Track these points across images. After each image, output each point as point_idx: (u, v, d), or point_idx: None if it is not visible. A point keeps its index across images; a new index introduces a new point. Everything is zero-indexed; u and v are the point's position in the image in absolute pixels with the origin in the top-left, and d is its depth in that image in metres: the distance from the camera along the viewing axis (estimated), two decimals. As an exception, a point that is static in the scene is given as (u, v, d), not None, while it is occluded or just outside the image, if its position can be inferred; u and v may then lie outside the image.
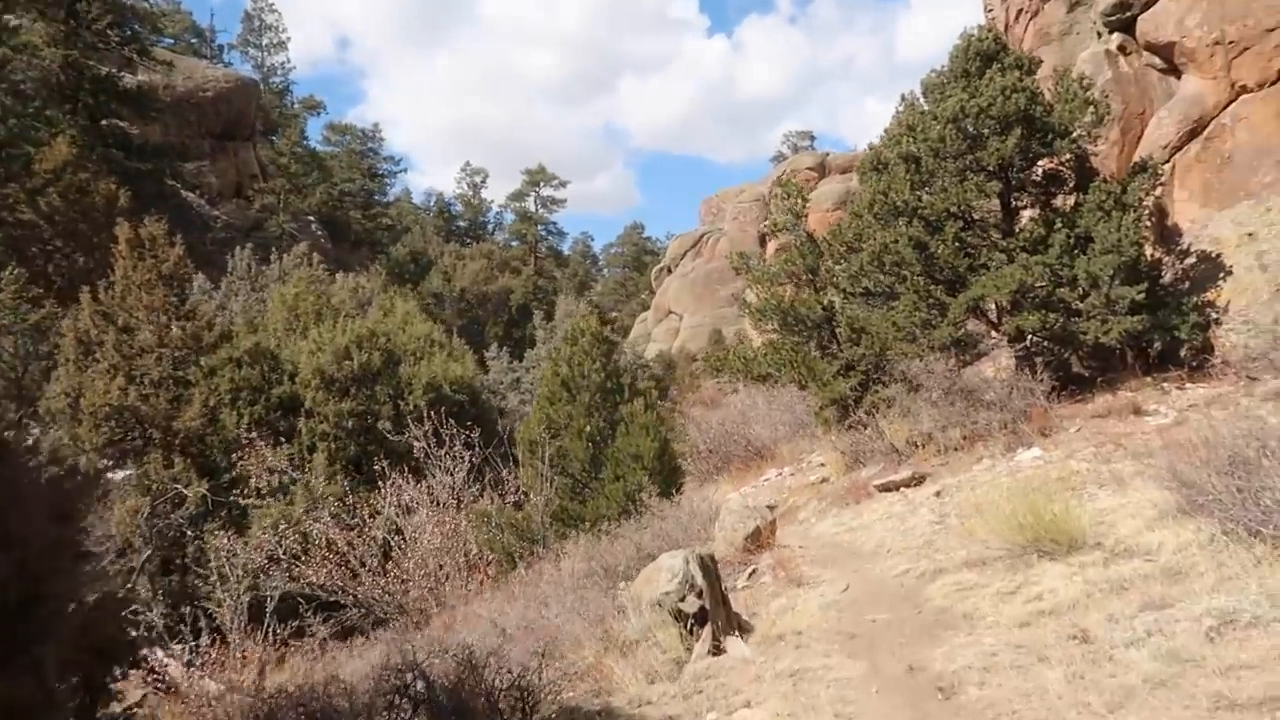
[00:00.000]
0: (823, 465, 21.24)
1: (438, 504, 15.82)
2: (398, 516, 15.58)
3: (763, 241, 56.85)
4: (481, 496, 17.55)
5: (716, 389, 39.90)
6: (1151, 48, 20.47)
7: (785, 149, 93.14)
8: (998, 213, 18.00)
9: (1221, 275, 18.15)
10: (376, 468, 16.43)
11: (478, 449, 16.55)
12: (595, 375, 17.15)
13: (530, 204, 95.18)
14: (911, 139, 17.85)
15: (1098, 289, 16.21)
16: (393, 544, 15.71)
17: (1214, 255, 18.54)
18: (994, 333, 17.39)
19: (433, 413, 18.55)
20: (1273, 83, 19.34)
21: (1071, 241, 16.65)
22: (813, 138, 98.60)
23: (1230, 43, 19.56)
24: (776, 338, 20.41)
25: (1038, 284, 16.16)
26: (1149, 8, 20.51)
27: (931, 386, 16.91)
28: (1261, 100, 19.39)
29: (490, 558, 16.61)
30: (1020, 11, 25.70)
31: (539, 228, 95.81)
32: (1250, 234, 18.45)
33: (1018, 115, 16.97)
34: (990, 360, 19.03)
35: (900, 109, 18.66)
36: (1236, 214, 18.87)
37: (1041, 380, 16.09)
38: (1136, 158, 19.74)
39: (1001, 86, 16.93)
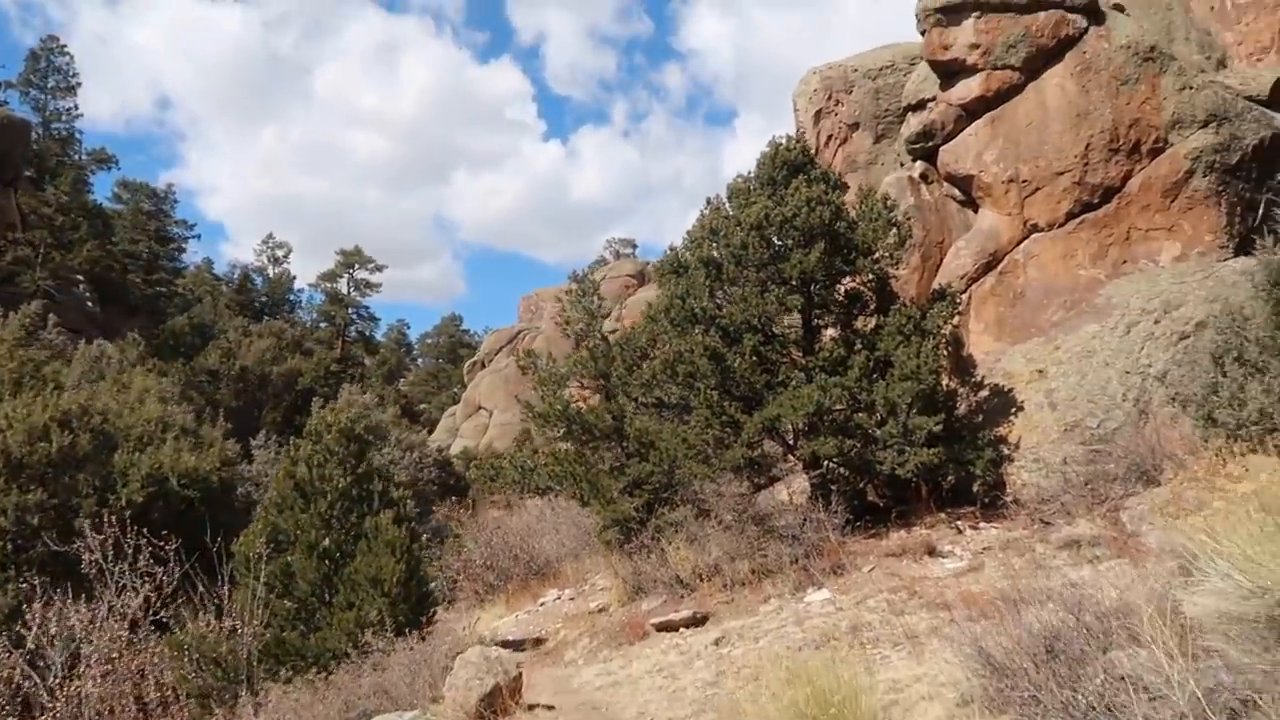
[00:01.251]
0: (605, 590, 19.21)
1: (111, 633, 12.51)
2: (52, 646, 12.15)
3: (577, 344, 55.56)
4: (185, 619, 14.30)
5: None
6: (952, 179, 20.56)
7: (608, 254, 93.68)
8: (799, 329, 17.01)
9: (1013, 411, 17.77)
10: (26, 584, 12.94)
11: (178, 561, 13.39)
12: (339, 480, 14.51)
13: (343, 285, 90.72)
14: (714, 243, 16.73)
15: (895, 417, 15.27)
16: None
17: (1007, 390, 18.22)
18: (790, 456, 16.10)
19: (156, 509, 15.22)
20: (1061, 224, 19.68)
21: (871, 365, 15.76)
22: (635, 245, 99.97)
23: (1024, 181, 19.86)
24: (561, 447, 18.47)
25: (836, 407, 15.06)
26: (950, 140, 20.68)
27: (722, 511, 15.32)
28: (1050, 240, 19.65)
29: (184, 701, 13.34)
30: (830, 137, 25.80)
31: (350, 310, 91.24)
32: (1040, 371, 18.28)
33: (822, 229, 16.16)
34: (784, 485, 17.75)
35: (705, 212, 17.60)
36: (1028, 349, 18.76)
37: (836, 512, 14.82)
38: (936, 285, 19.47)
39: (807, 198, 16.13)
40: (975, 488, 17.17)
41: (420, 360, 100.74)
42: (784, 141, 17.44)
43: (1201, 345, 18.19)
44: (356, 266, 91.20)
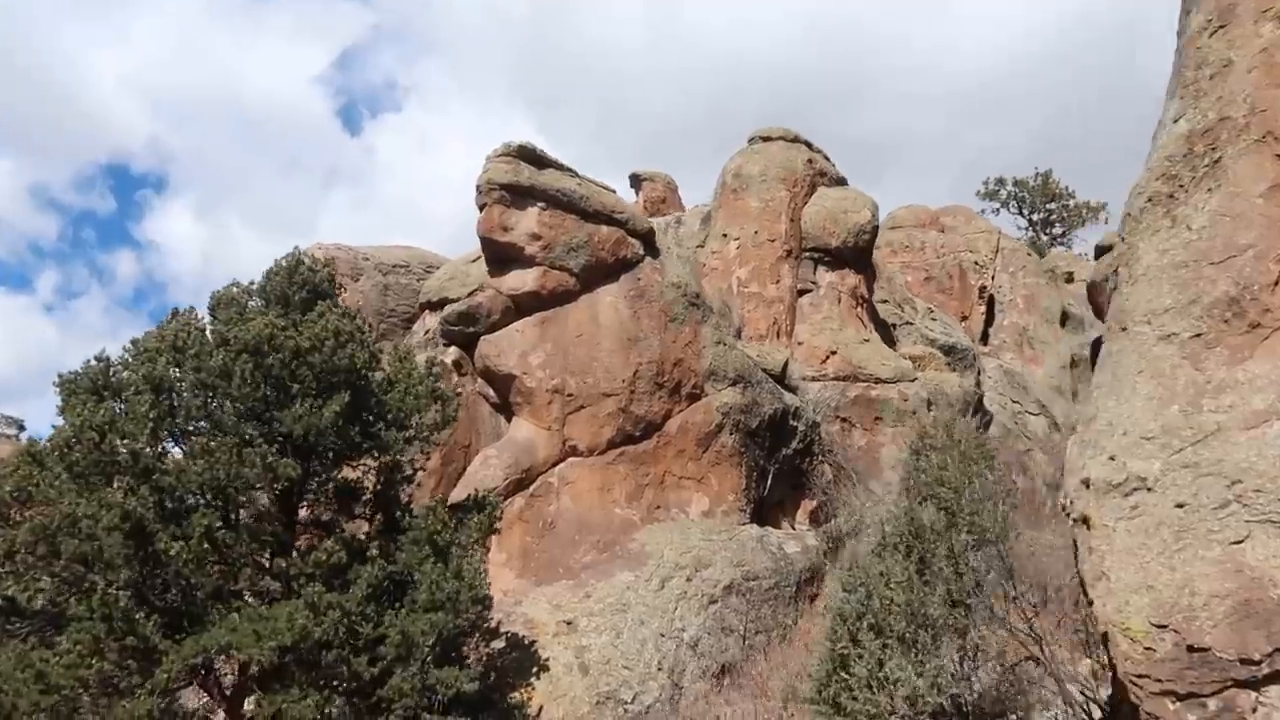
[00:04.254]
0: None
1: None
2: None
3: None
4: None
5: None
6: (489, 375, 17.16)
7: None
8: (275, 516, 11.41)
9: (535, 671, 13.66)
10: None
11: None
12: None
13: None
14: (175, 362, 10.85)
15: (408, 664, 10.23)
16: None
17: (528, 643, 14.17)
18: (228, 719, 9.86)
19: None
20: (602, 451, 17.13)
21: (384, 583, 10.73)
22: (23, 427, 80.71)
23: (569, 395, 17.18)
24: None
25: (326, 639, 9.58)
26: (495, 330, 17.52)
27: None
28: (589, 468, 16.90)
29: None
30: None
31: None
32: (568, 622, 14.65)
33: (349, 377, 11.34)
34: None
35: (165, 321, 11.67)
36: (555, 593, 15.13)
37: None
38: (461, 495, 15.30)
39: (336, 328, 11.32)
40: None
41: None
42: (305, 258, 12.62)
43: (729, 612, 16.31)
44: None
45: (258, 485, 10.35)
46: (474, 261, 23.54)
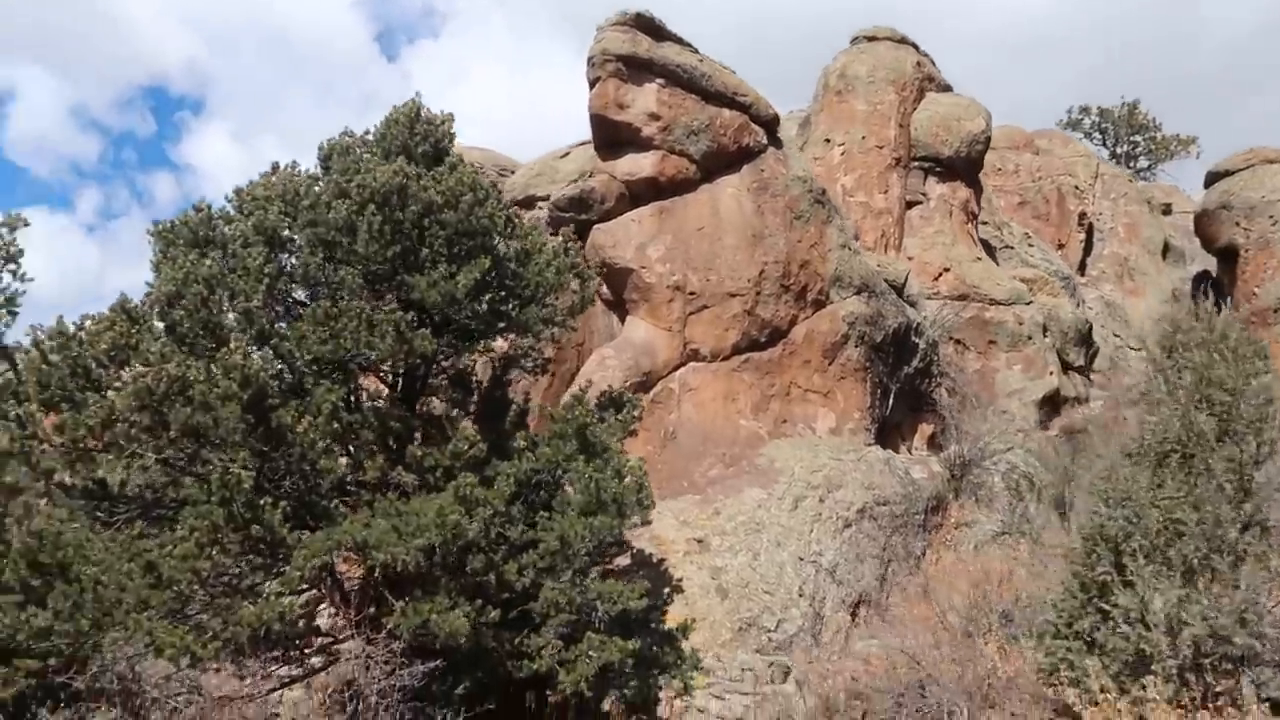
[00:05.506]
0: None
1: None
2: None
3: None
4: None
5: None
6: (607, 269, 15.32)
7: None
8: (400, 400, 9.78)
9: (668, 592, 12.10)
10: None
11: None
12: None
13: None
14: (284, 210, 9.15)
15: (558, 575, 8.66)
16: None
17: (656, 560, 12.63)
18: (361, 627, 8.29)
19: None
20: (726, 356, 15.41)
21: (532, 482, 9.12)
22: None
23: (691, 293, 15.40)
24: None
25: (476, 540, 8.00)
26: (608, 219, 15.70)
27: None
28: (713, 374, 15.20)
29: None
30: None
31: None
32: (700, 541, 13.09)
33: (485, 241, 9.61)
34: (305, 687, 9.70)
35: (265, 173, 9.92)
36: (682, 509, 13.54)
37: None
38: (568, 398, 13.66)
39: (471, 182, 9.56)
40: (607, 707, 10.98)
41: None
42: (439, 114, 10.79)
43: (863, 537, 14.70)
44: None
45: (387, 359, 8.67)
46: (563, 157, 21.65)
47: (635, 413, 11.05)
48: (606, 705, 11.04)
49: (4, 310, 9.69)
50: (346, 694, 7.59)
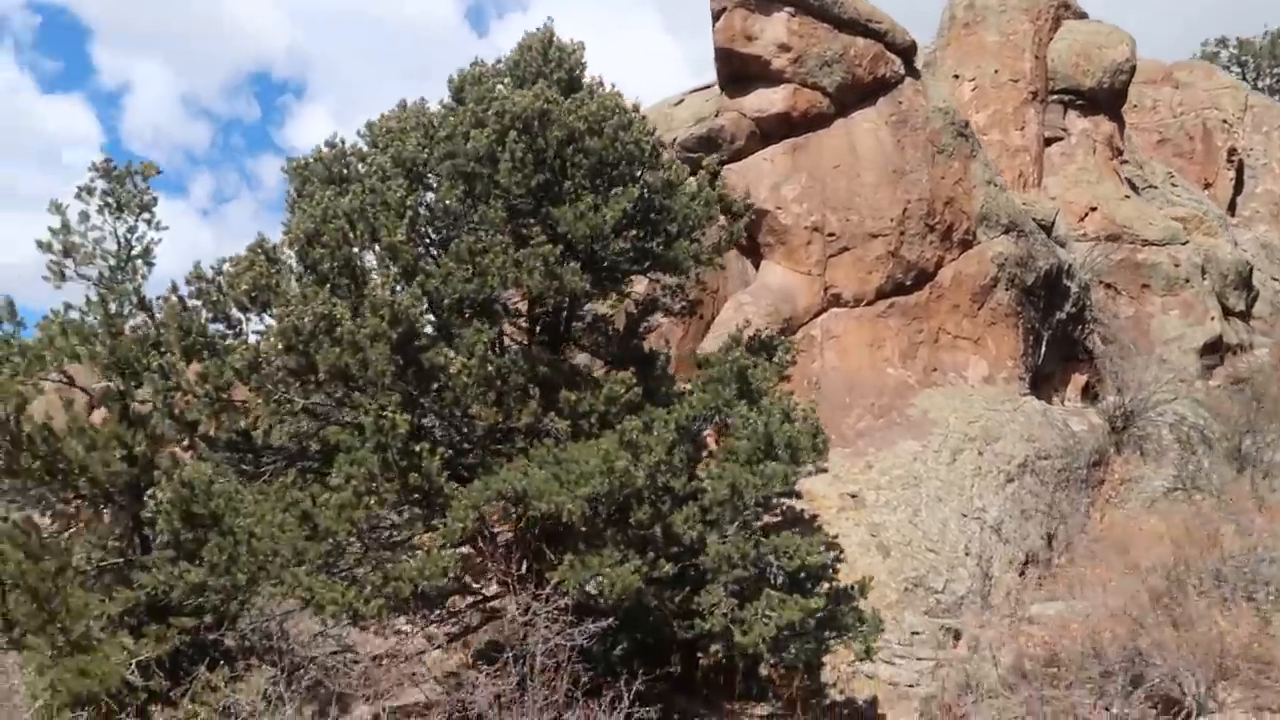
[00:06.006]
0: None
1: None
2: None
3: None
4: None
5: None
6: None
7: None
8: (545, 343, 9.13)
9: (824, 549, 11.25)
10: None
11: None
12: None
13: None
14: (422, 141, 8.53)
15: (721, 528, 7.91)
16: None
17: (809, 517, 11.76)
18: (518, 583, 7.68)
19: None
20: (870, 301, 14.37)
21: (688, 429, 8.36)
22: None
23: (830, 235, 14.39)
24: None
25: (642, 489, 7.30)
26: (739, 159, 14.77)
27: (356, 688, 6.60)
28: (856, 320, 14.20)
29: None
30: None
31: None
32: (854, 495, 12.20)
33: (631, 170, 8.85)
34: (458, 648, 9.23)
35: (396, 110, 9.33)
36: (832, 463, 12.61)
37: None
38: (705, 348, 12.86)
39: (615, 105, 8.79)
40: (764, 671, 10.27)
41: None
42: (567, 41, 10.05)
43: (1025, 493, 13.56)
44: None
45: (536, 297, 8.00)
46: (677, 104, 20.67)
47: (789, 356, 10.18)
48: (764, 669, 10.37)
49: (141, 261, 9.42)
50: (509, 653, 7.02)
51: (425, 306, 7.20)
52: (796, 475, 8.15)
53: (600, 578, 6.91)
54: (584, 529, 7.37)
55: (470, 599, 8.93)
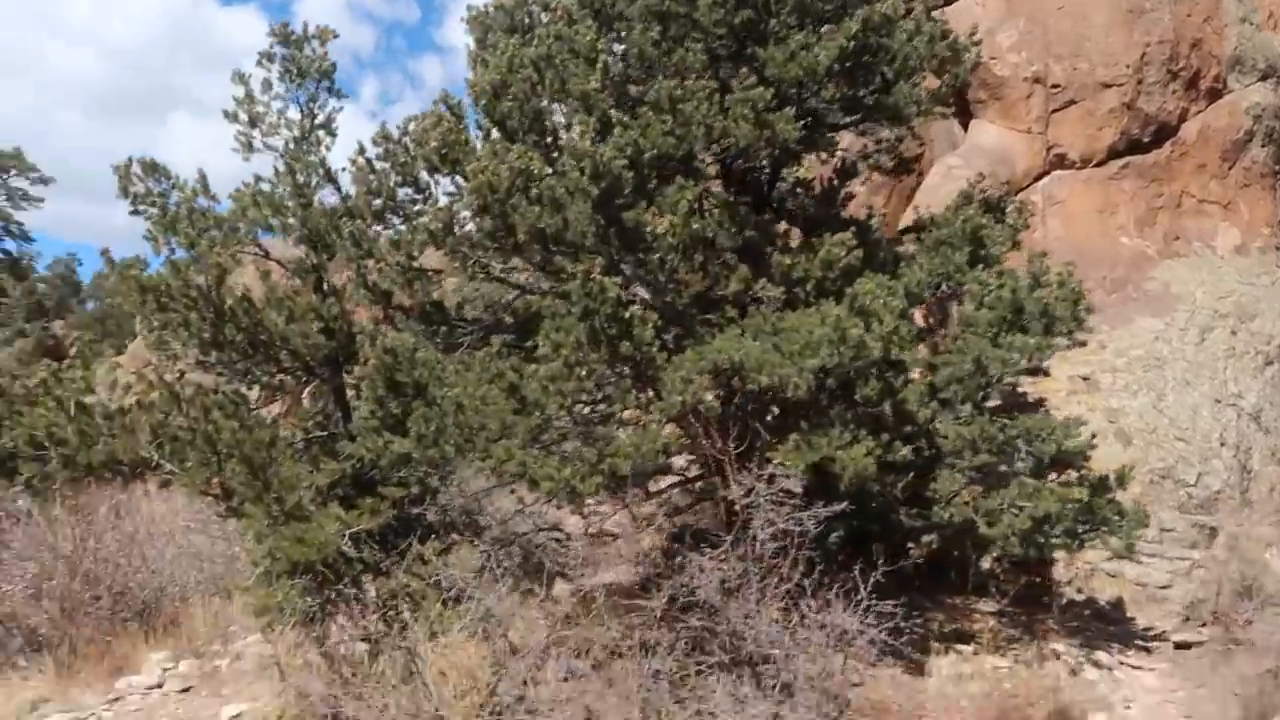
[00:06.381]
0: (259, 680, 9.32)
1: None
2: None
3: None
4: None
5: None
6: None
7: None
8: (745, 203, 8.26)
9: (1053, 437, 10.09)
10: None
11: None
12: None
13: (-9, 193, 70.08)
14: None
15: (959, 404, 6.98)
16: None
17: (1034, 401, 10.60)
18: (731, 465, 7.07)
19: None
20: (1100, 162, 12.65)
21: (921, 294, 7.38)
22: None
23: (1054, 86, 12.65)
24: (195, 383, 8.41)
25: (876, 361, 6.45)
26: (948, 2, 13.11)
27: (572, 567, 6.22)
28: (1084, 184, 12.54)
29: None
30: None
31: (-1, 223, 70.54)
32: (1086, 378, 10.91)
33: (843, 4, 7.70)
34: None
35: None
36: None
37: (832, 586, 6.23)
38: (906, 219, 11.65)
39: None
40: (987, 565, 9.41)
41: (89, 304, 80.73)
42: None
43: (1287, 379, 11.82)
44: (12, 172, 71.05)
45: (752, 145, 7.10)
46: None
47: (1022, 218, 8.92)
48: (986, 562, 9.52)
49: (324, 132, 9.08)
50: (729, 538, 6.43)
51: (626, 161, 6.44)
52: (1050, 349, 7.06)
53: (835, 459, 6.15)
54: (806, 405, 6.61)
55: (670, 479, 8.44)
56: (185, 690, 9.57)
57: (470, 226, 6.74)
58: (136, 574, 10.93)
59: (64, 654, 11.02)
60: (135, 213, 8.31)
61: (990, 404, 9.83)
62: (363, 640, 7.03)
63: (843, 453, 6.12)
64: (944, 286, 7.82)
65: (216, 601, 11.73)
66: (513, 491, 8.35)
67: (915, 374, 7.46)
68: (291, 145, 8.73)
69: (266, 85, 8.71)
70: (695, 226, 6.68)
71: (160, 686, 9.74)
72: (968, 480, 6.96)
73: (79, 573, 10.25)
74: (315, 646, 7.43)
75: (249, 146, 8.54)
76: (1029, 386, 10.71)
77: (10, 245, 78.58)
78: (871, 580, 6.19)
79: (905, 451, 6.45)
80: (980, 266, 7.63)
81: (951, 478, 6.84)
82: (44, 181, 75.89)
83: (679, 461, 8.59)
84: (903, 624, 6.47)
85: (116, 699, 9.50)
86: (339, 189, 8.68)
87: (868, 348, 6.08)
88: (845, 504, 6.24)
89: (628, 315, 6.01)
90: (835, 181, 9.79)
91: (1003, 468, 7.24)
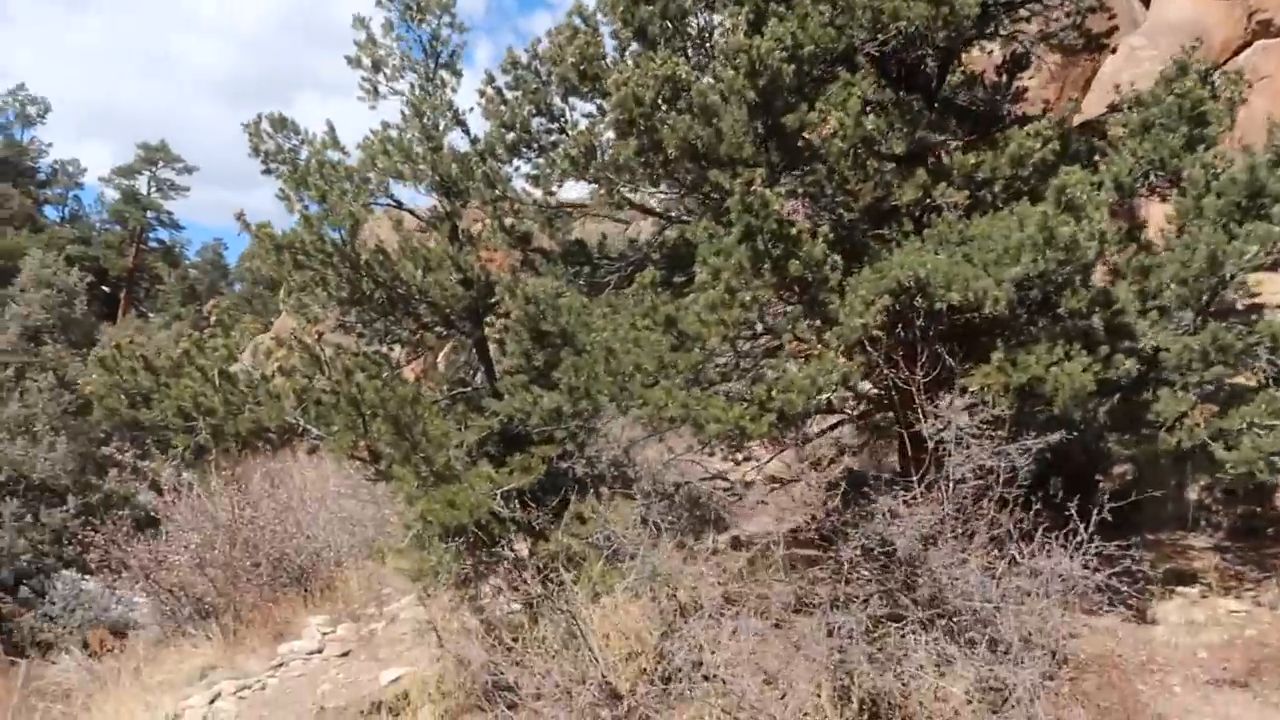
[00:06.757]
0: (417, 643, 9.29)
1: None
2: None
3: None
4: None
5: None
6: (1118, -70, 11.33)
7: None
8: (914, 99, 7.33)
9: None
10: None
11: None
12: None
13: (142, 184, 74.61)
14: None
15: (1176, 308, 5.98)
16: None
17: (1242, 310, 9.31)
18: (926, 393, 6.28)
19: None
20: (1314, 27, 10.96)
21: (1133, 185, 6.35)
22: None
23: (1254, -57, 11.01)
24: (335, 343, 8.19)
25: (1089, 264, 5.54)
26: None
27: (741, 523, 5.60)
28: (1295, 54, 10.90)
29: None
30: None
31: (149, 214, 75.24)
32: None
33: None
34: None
35: None
36: (1272, 239, 9.93)
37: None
38: (1085, 111, 10.35)
39: None
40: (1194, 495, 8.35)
41: (237, 285, 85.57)
42: None
43: None
44: (160, 164, 75.26)
45: (922, 28, 6.18)
46: None
47: (1239, 89, 7.62)
48: (1193, 492, 8.48)
49: (448, 72, 8.63)
50: (916, 478, 5.70)
51: (785, 54, 5.66)
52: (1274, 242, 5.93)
53: (1045, 379, 5.30)
54: (1003, 322, 5.75)
55: (836, 418, 7.72)
56: (344, 655, 9.61)
57: (614, 150, 6.14)
58: (292, 540, 11.04)
59: (229, 620, 11.28)
60: (266, 171, 8.11)
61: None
62: (521, 603, 6.69)
63: (1056, 370, 5.26)
64: (1152, 176, 6.72)
65: (369, 565, 11.80)
66: (661, 439, 7.85)
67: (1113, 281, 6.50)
68: (417, 89, 8.34)
69: (388, 26, 8.35)
70: (870, 126, 5.86)
71: (320, 651, 9.80)
72: (1196, 399, 5.96)
73: (238, 541, 10.38)
74: (470, 610, 7.16)
75: (374, 92, 8.19)
76: (1232, 293, 9.44)
77: (163, 234, 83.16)
78: (1093, 519, 5.35)
79: (1129, 365, 5.51)
80: (1202, 148, 6.50)
81: (1175, 397, 5.86)
82: (189, 170, 79.66)
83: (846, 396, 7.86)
84: (1132, 567, 5.61)
85: (280, 664, 9.57)
86: (467, 132, 8.25)
87: (1081, 248, 5.17)
88: (1062, 433, 5.38)
89: (794, 232, 5.28)
90: (1005, 74, 8.69)
91: (1239, 380, 6.23)
